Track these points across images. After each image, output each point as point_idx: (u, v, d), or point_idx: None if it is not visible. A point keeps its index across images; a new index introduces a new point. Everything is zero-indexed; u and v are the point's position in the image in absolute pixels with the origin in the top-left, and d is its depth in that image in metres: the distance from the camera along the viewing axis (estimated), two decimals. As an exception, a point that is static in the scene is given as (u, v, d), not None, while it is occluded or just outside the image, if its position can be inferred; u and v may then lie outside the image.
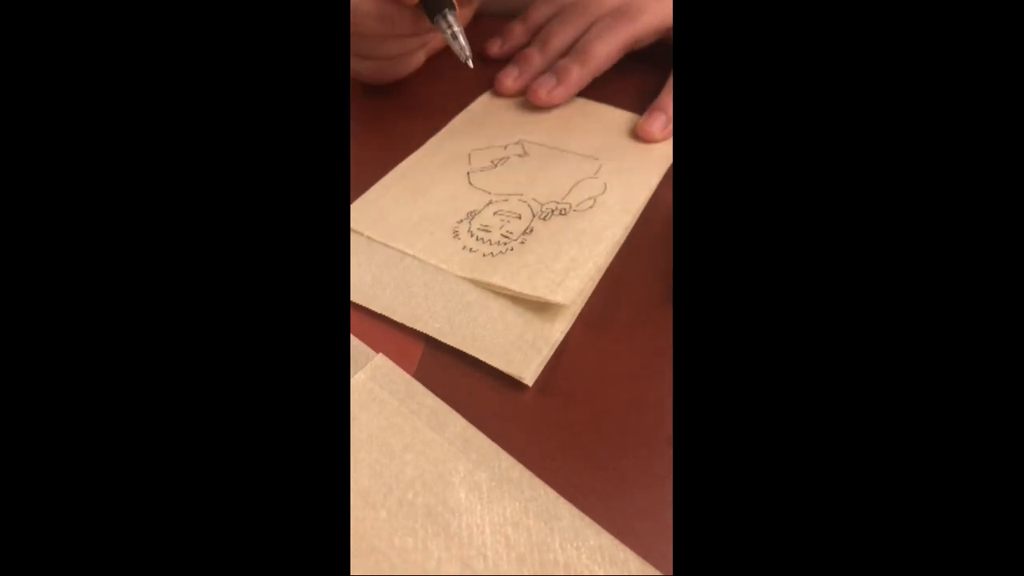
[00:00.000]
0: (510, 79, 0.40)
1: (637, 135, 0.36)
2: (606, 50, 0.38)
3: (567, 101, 0.39)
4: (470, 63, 0.34)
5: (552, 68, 0.39)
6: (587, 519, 0.20)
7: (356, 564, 0.19)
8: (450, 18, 0.33)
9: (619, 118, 0.38)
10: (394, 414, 0.22)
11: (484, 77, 0.40)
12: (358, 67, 0.38)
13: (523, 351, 0.25)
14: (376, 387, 0.23)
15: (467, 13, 0.39)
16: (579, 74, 0.38)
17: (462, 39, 0.33)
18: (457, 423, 0.22)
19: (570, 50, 0.39)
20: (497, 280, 0.27)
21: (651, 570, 0.19)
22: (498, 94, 0.40)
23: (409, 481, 0.21)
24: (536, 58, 0.40)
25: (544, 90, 0.38)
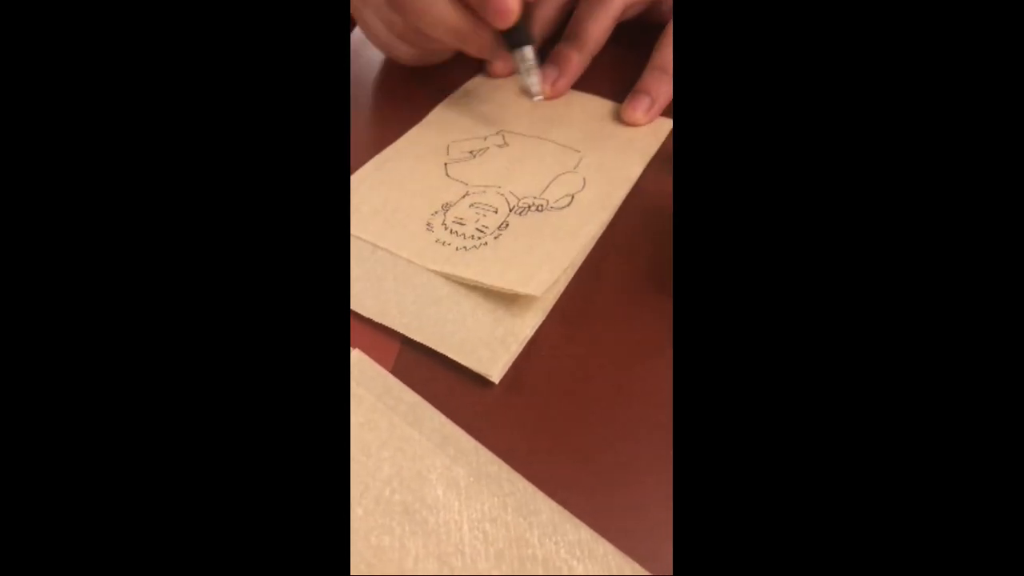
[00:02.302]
0: (501, 62, 0.39)
1: (622, 120, 0.36)
2: (600, 29, 0.38)
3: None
4: (540, 98, 0.35)
5: (551, 58, 0.38)
6: (566, 513, 0.20)
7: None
8: (528, 53, 0.33)
9: (600, 107, 0.38)
10: (371, 410, 0.22)
11: (469, 65, 0.40)
12: (396, 49, 0.37)
13: (491, 348, 0.24)
14: (352, 383, 0.23)
15: (579, 60, 0.38)
16: (579, 60, 0.38)
17: (537, 74, 0.34)
18: (435, 419, 0.22)
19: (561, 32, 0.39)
20: (469, 274, 0.27)
21: (631, 564, 0.19)
22: (491, 76, 0.40)
23: (386, 478, 0.20)
24: None
25: (548, 84, 0.38)
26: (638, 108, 0.36)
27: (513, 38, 0.33)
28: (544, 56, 0.39)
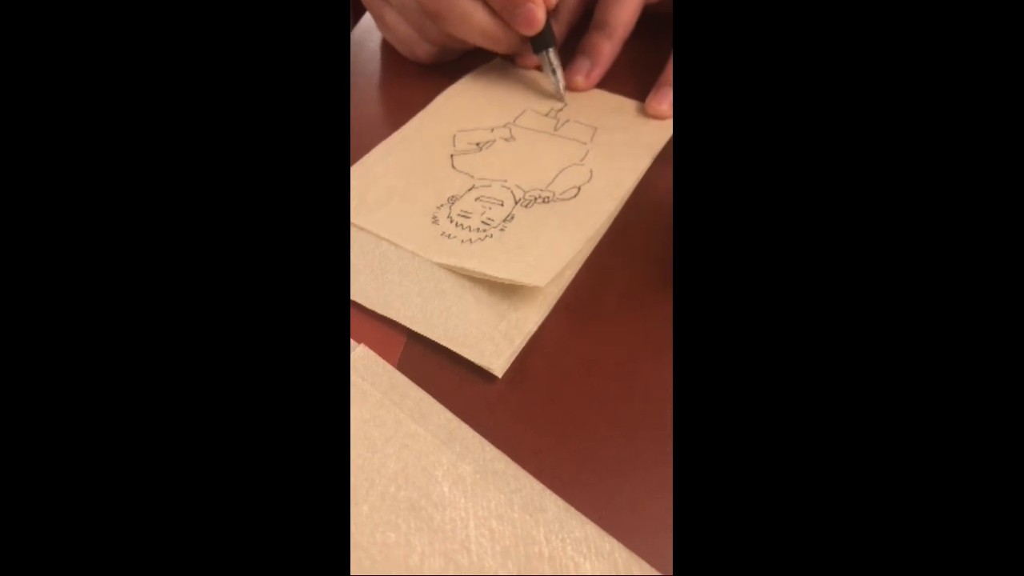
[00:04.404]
0: (529, 56, 0.39)
1: (647, 113, 0.36)
2: (628, 14, 0.38)
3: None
4: (564, 99, 0.37)
5: (582, 48, 0.38)
6: (572, 510, 0.20)
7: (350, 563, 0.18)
8: (552, 54, 0.36)
9: (611, 102, 0.37)
10: (376, 406, 0.22)
11: (478, 55, 0.40)
12: (418, 47, 0.38)
13: (495, 342, 0.24)
14: (358, 378, 0.23)
15: (611, 48, 0.38)
16: (610, 48, 0.38)
17: (560, 74, 0.36)
18: (441, 415, 0.22)
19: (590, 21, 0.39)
20: (473, 266, 0.26)
21: (638, 561, 0.19)
22: (522, 67, 0.40)
23: (392, 475, 0.20)
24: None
25: (581, 76, 0.37)
26: (663, 101, 0.35)
27: (538, 42, 0.35)
28: (573, 45, 0.39)
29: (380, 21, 0.40)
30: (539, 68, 0.39)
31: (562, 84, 0.36)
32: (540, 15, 0.33)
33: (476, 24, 0.34)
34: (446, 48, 0.38)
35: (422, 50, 0.38)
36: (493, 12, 0.34)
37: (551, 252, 0.27)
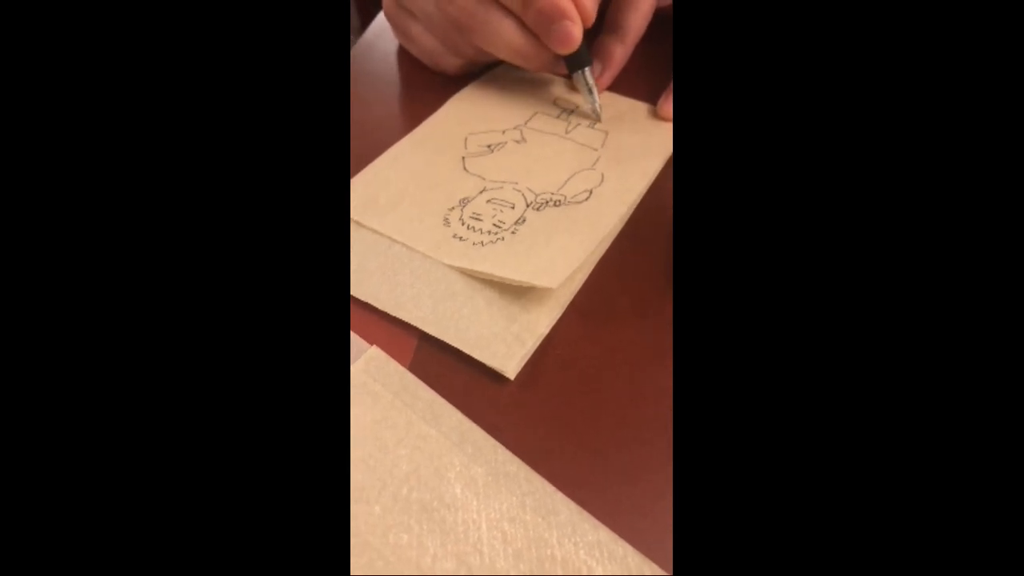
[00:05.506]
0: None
1: (658, 116, 0.36)
2: (640, 18, 0.37)
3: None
4: (599, 118, 0.36)
5: (593, 51, 0.38)
6: (585, 514, 0.20)
7: (350, 562, 0.18)
8: (588, 74, 0.35)
9: (622, 105, 0.37)
10: (388, 407, 0.22)
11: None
12: (444, 60, 0.38)
13: (507, 344, 0.24)
14: (369, 380, 0.23)
15: (623, 52, 0.38)
16: (622, 52, 0.37)
17: (596, 94, 0.35)
18: (453, 417, 0.22)
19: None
20: (485, 268, 0.26)
21: (650, 566, 0.19)
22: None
23: (404, 476, 0.20)
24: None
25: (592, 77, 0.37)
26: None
27: (573, 62, 0.34)
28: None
29: (404, 34, 0.39)
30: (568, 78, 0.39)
31: (598, 104, 0.35)
32: (576, 34, 0.32)
33: (506, 39, 0.32)
34: (474, 61, 0.37)
35: (448, 63, 0.38)
36: (526, 28, 0.32)
37: (563, 254, 0.27)
